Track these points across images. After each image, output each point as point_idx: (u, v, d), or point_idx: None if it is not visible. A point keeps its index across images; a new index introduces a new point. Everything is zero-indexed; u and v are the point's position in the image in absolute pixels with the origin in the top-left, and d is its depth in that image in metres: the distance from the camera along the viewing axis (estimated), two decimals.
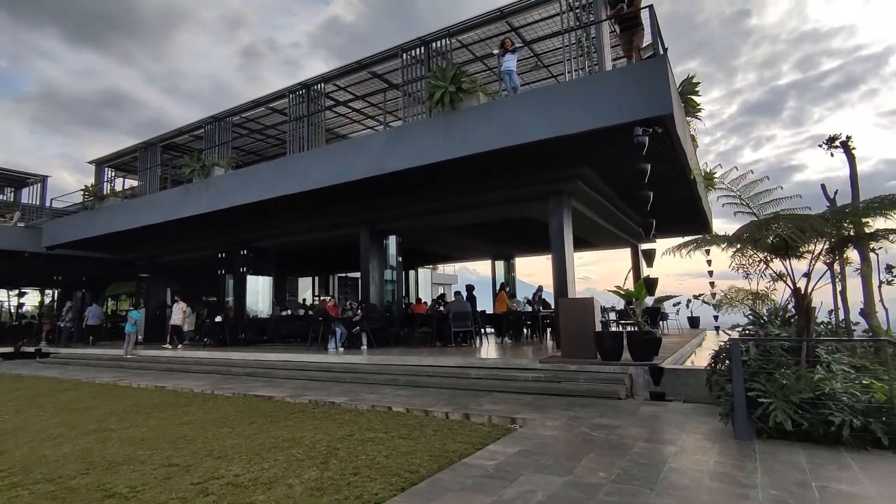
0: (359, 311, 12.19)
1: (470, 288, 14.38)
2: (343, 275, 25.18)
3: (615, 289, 7.98)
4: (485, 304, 15.51)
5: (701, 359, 8.82)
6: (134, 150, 17.40)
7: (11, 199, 21.84)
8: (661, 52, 8.07)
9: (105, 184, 18.19)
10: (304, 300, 22.36)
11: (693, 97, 10.76)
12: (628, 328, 8.75)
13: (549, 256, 10.36)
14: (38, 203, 20.89)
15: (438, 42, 10.84)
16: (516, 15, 10.26)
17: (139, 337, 15.39)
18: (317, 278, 24.74)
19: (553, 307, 12.86)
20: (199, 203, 13.36)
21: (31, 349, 17.49)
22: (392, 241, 13.13)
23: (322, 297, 20.43)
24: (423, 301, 15.74)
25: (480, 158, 8.93)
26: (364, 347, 11.58)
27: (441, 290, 26.79)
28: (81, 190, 17.11)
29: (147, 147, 16.71)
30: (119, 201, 16.57)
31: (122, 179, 19.66)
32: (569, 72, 8.91)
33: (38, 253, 18.76)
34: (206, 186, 13.36)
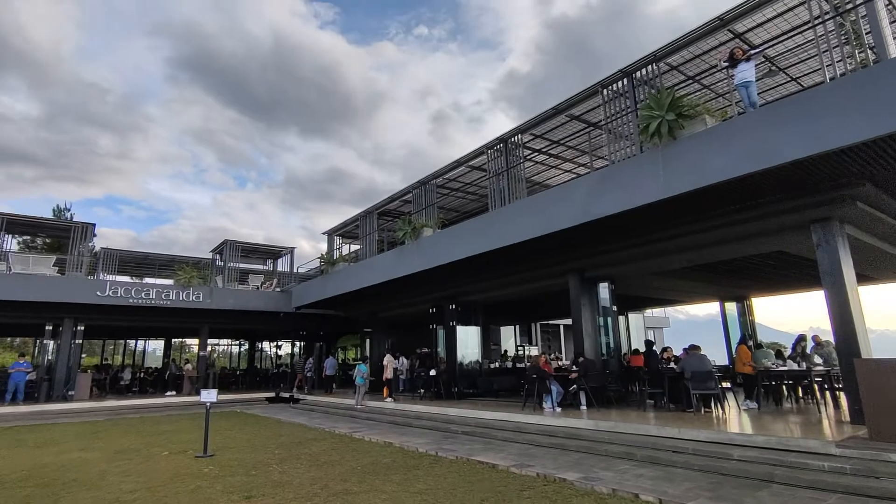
0: (573, 366, 11.31)
1: (649, 344, 13.18)
2: (545, 322, 24.57)
3: None
4: (711, 351, 13.31)
5: None
6: (355, 219, 19.82)
7: (270, 269, 26.82)
8: None
9: (335, 251, 21.02)
10: (506, 351, 22.26)
11: None
12: None
13: (802, 295, 8.18)
14: (288, 270, 25.18)
15: (642, 70, 9.91)
16: (741, 19, 8.80)
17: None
18: (518, 327, 24.54)
19: (820, 360, 10.22)
20: (412, 263, 14.29)
21: (287, 395, 20.57)
22: (604, 289, 12.08)
23: (534, 353, 20.02)
24: (640, 352, 14.07)
25: (711, 191, 7.59)
26: (584, 408, 10.60)
27: (651, 336, 24.10)
28: (318, 257, 19.98)
29: (366, 215, 18.84)
30: (346, 265, 18.87)
31: (348, 245, 22.52)
32: (828, 66, 7.13)
33: (289, 312, 22.41)
34: (417, 247, 14.26)
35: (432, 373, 15.39)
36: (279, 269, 26.12)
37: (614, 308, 12.06)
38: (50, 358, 19.12)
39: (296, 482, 7.11)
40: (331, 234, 21.64)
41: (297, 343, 27.47)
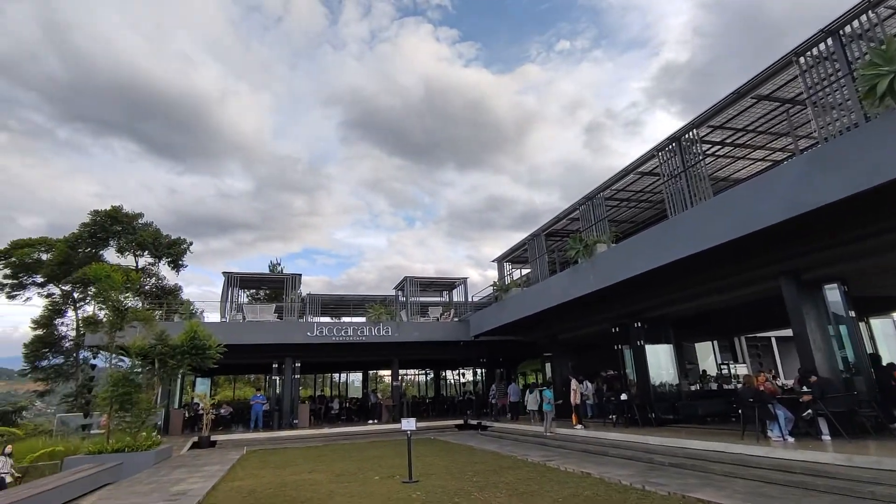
0: (802, 386, 9.47)
1: (875, 359, 10.42)
2: (751, 336, 21.34)
3: None
4: None
5: None
6: (523, 243, 19.83)
7: (447, 300, 28.22)
8: None
9: (506, 277, 21.25)
10: (705, 371, 19.75)
11: None
12: None
13: None
14: (463, 300, 26.19)
15: (853, 24, 8.21)
16: None
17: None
18: (716, 342, 21.70)
19: None
20: (587, 282, 13.67)
21: (474, 422, 21.04)
22: (833, 291, 9.99)
23: (747, 373, 17.48)
24: None
25: None
26: (826, 438, 8.74)
27: None
28: (491, 285, 20.35)
29: (533, 238, 18.74)
30: (519, 291, 18.88)
31: (519, 270, 22.61)
32: None
33: (468, 341, 23.16)
34: (591, 265, 13.63)
35: (623, 397, 14.32)
36: (455, 299, 27.33)
37: (851, 314, 9.84)
38: (277, 392, 22.53)
39: None
40: (500, 260, 21.98)
41: (478, 371, 28.13)
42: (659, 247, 11.10)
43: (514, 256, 21.76)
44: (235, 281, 23.27)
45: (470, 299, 25.72)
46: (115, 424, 14.38)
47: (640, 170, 13.73)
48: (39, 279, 31.72)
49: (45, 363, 31.73)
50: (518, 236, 19.41)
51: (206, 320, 21.58)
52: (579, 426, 14.77)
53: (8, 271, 30.82)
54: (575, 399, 15.36)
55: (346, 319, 28.33)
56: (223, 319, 21.89)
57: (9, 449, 11.99)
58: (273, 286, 31.19)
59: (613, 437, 12.69)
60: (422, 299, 26.48)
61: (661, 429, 12.77)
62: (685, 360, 19.29)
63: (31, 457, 13.88)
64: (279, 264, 41.20)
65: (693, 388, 14.79)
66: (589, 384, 17.44)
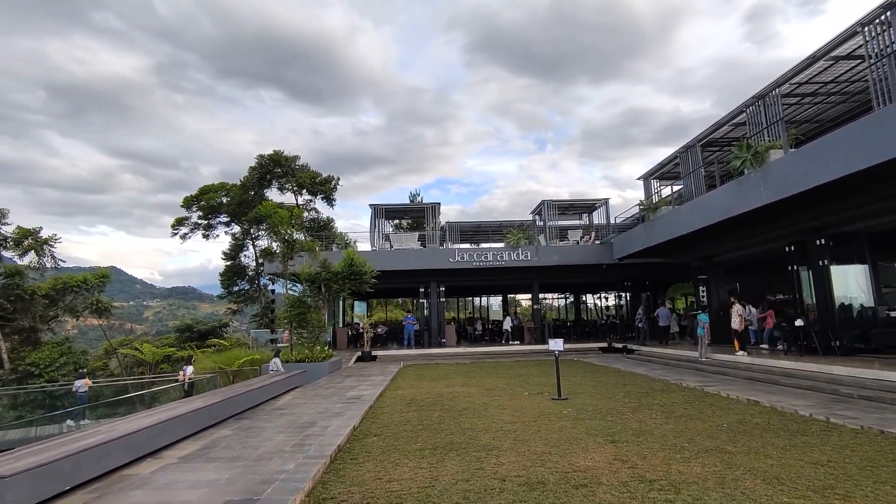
0: None
1: None
2: None
3: None
4: None
5: None
6: (673, 157, 17.90)
7: (587, 223, 27.12)
8: None
9: (654, 195, 19.58)
10: None
11: None
12: None
13: None
14: (604, 222, 24.94)
15: None
16: None
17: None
18: None
19: None
20: (756, 195, 11.97)
21: (619, 345, 20.61)
22: None
23: None
24: None
25: None
26: None
27: None
28: (637, 204, 18.96)
29: (686, 150, 16.78)
30: (670, 209, 17.31)
31: (670, 186, 20.69)
32: None
33: (611, 264, 22.24)
34: (761, 175, 11.84)
35: (798, 323, 12.73)
36: (595, 221, 26.17)
37: None
38: (425, 313, 24.21)
39: (657, 432, 6.87)
40: (646, 178, 20.25)
41: (622, 294, 27.12)
42: (862, 145, 9.15)
43: (663, 172, 19.85)
44: (381, 212, 24.85)
45: (613, 221, 24.39)
46: (295, 339, 16.78)
47: (833, 54, 11.21)
48: (224, 218, 37.18)
49: (235, 288, 37.83)
50: (662, 151, 17.72)
51: (358, 250, 23.57)
52: (741, 353, 13.60)
53: (200, 213, 36.54)
54: (740, 325, 14.06)
55: (484, 245, 28.92)
56: (373, 248, 23.75)
57: (190, 363, 14.71)
58: (414, 216, 32.82)
59: (785, 366, 11.47)
60: (560, 223, 25.79)
61: (848, 358, 11.19)
62: (881, 284, 16.37)
63: (237, 362, 16.92)
64: (418, 195, 42.97)
65: (892, 314, 12.52)
66: (753, 309, 15.78)
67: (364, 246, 25.80)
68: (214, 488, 4.93)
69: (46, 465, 4.51)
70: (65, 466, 4.71)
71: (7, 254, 24.09)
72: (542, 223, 24.70)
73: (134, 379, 18.76)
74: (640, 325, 20.70)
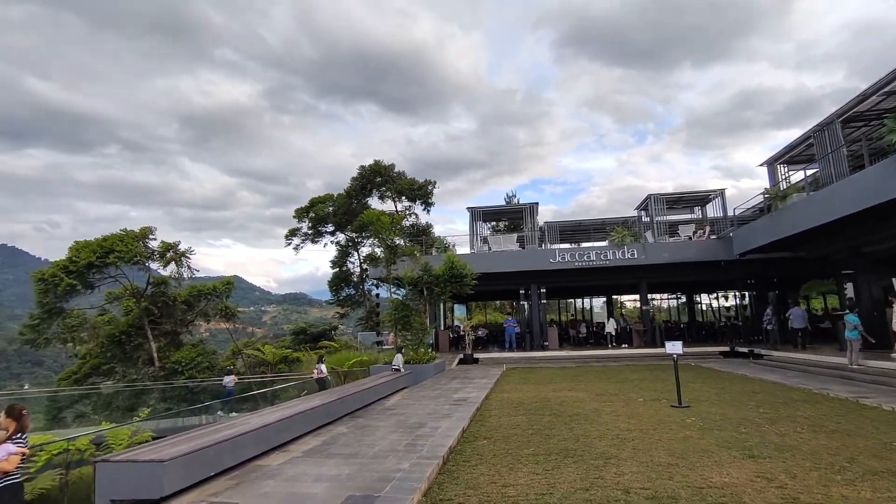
0: None
1: None
2: None
3: None
4: None
5: None
6: (805, 138, 15.91)
7: (699, 217, 25.02)
8: None
9: (782, 182, 17.53)
10: None
11: None
12: None
13: None
14: (720, 215, 22.83)
15: None
16: None
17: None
18: None
19: None
20: None
21: (744, 349, 18.68)
22: None
23: None
24: None
25: None
26: None
27: None
28: (760, 193, 17.11)
29: (822, 129, 14.80)
30: (804, 196, 15.36)
31: (803, 170, 18.43)
32: None
33: (730, 260, 20.28)
34: None
35: None
36: (709, 215, 24.06)
37: None
38: (526, 315, 23.77)
39: (804, 448, 6.03)
40: (771, 163, 18.22)
41: (744, 293, 24.63)
42: None
43: (792, 156, 17.72)
44: (479, 214, 24.88)
45: (732, 213, 22.23)
46: (399, 342, 17.26)
47: None
48: (330, 228, 39.57)
49: (343, 294, 40.03)
50: (784, 134, 15.76)
51: (457, 253, 23.78)
52: None
53: (310, 224, 39.20)
54: None
55: (585, 245, 27.84)
56: (472, 251, 23.82)
57: (322, 361, 15.54)
58: (511, 217, 32.51)
59: None
60: (669, 218, 24.07)
61: None
62: None
63: (347, 363, 17.78)
64: (514, 196, 42.63)
65: None
66: None
67: (462, 249, 26.02)
68: (336, 483, 5.10)
69: (195, 453, 4.95)
70: (209, 455, 5.14)
71: (153, 265, 27.51)
72: (648, 219, 23.20)
73: (271, 377, 20.48)
74: (768, 327, 18.61)
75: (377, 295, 25.37)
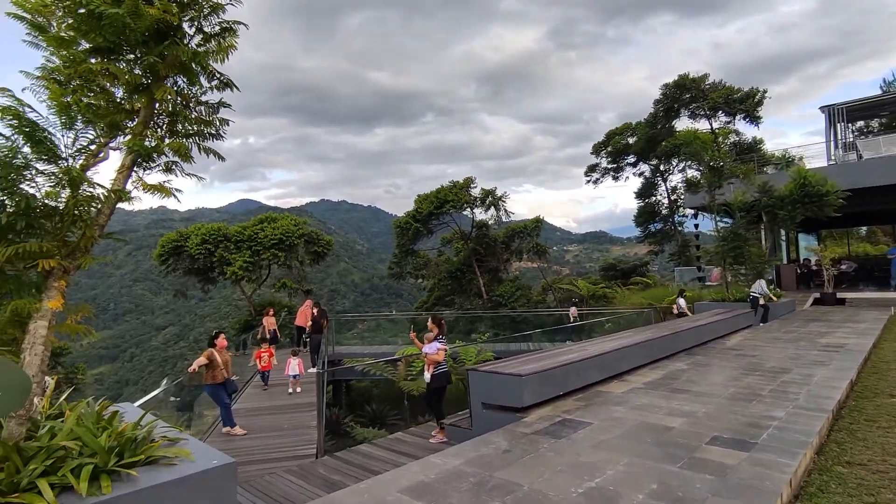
0: None
1: None
2: None
3: None
4: None
5: None
6: None
7: None
8: None
9: None
10: None
11: None
12: None
13: None
14: None
15: None
16: None
17: None
18: None
19: None
20: None
21: None
22: None
23: None
24: None
25: None
26: None
27: None
28: None
29: None
30: None
31: None
32: None
33: None
34: None
35: None
36: None
37: None
38: None
39: None
40: None
41: None
42: None
43: None
44: (839, 114, 18.98)
45: None
46: (730, 277, 14.98)
47: None
48: (631, 159, 37.15)
49: (651, 228, 37.52)
50: None
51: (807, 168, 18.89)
52: None
53: (608, 158, 37.65)
54: None
55: None
56: (830, 162, 18.53)
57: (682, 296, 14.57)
58: (894, 109, 23.73)
59: None
60: None
61: None
62: None
63: (668, 300, 16.57)
64: (894, 81, 31.13)
65: None
66: None
67: (816, 162, 20.31)
68: (694, 420, 4.61)
69: (546, 372, 5.21)
70: (557, 375, 5.35)
71: (476, 211, 31.31)
72: None
73: (610, 309, 21.28)
74: None
75: (696, 226, 22.54)
